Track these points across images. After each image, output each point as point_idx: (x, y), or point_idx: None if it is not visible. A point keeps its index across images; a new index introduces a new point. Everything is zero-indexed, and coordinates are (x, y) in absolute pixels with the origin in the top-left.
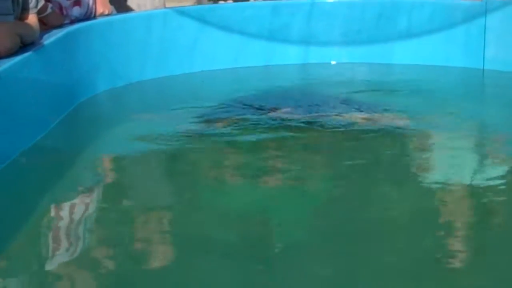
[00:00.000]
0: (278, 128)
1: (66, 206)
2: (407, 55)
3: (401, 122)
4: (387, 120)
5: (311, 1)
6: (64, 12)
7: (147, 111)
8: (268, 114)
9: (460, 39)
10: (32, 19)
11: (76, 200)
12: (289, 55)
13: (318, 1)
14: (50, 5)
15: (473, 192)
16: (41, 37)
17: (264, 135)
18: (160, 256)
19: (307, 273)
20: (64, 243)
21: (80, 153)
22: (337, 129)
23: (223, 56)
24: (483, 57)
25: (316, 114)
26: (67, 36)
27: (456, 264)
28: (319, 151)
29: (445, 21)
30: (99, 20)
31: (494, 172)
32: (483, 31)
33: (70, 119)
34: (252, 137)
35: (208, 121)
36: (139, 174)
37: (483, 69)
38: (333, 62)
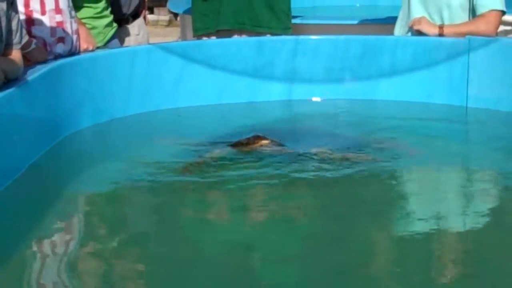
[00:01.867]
0: (262, 163)
1: (47, 242)
2: (390, 92)
3: (384, 158)
4: (370, 156)
5: (295, 38)
6: (48, 49)
7: (130, 147)
8: (253, 149)
9: (443, 76)
10: (16, 54)
11: (57, 236)
12: (273, 92)
13: (302, 38)
14: (34, 40)
15: (462, 231)
16: (24, 72)
17: (248, 171)
18: None
19: None
20: (43, 278)
21: (62, 188)
22: (322, 165)
23: (207, 92)
24: (466, 95)
25: (300, 150)
26: (50, 72)
27: None
28: (304, 187)
29: (428, 59)
30: (83, 56)
31: (482, 210)
32: (466, 69)
33: (53, 155)
34: (236, 173)
35: (192, 157)
36: (121, 210)
37: (466, 107)
38: (317, 99)
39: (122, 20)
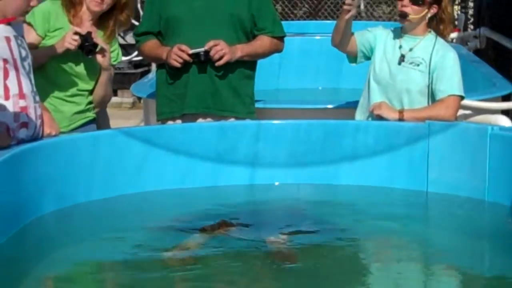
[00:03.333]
0: (226, 250)
1: None
2: (351, 176)
3: (346, 244)
4: (332, 242)
5: (258, 122)
6: (11, 134)
7: (93, 234)
8: (214, 235)
9: (404, 161)
10: None
11: None
12: (236, 176)
13: (264, 122)
14: None
15: None
16: None
17: (208, 257)
18: None
19: None
20: None
21: (24, 276)
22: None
23: (170, 177)
24: (427, 179)
25: (265, 236)
26: (13, 158)
27: None
28: (268, 276)
29: (389, 143)
30: (46, 141)
31: None
32: (427, 153)
33: (15, 242)
34: (196, 259)
35: (154, 245)
36: None
37: (426, 191)
38: (279, 183)
39: None
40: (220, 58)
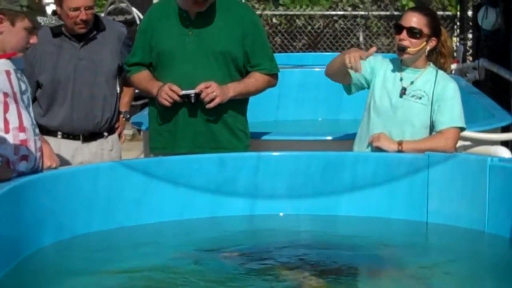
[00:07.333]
0: (221, 279)
1: None
2: (351, 207)
3: (343, 279)
4: (328, 276)
5: (257, 154)
6: (11, 167)
7: (93, 266)
8: (217, 261)
9: (403, 192)
10: None
11: None
12: (235, 207)
13: (264, 154)
14: None
15: None
16: None
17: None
18: None
19: None
20: None
21: None
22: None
23: (170, 209)
24: (427, 210)
25: (258, 264)
26: (13, 190)
27: None
28: None
29: (388, 174)
30: (46, 173)
31: None
32: (426, 184)
33: (15, 274)
34: None
35: (154, 278)
36: None
37: (426, 222)
38: (279, 214)
39: (97, 134)
40: (211, 100)
